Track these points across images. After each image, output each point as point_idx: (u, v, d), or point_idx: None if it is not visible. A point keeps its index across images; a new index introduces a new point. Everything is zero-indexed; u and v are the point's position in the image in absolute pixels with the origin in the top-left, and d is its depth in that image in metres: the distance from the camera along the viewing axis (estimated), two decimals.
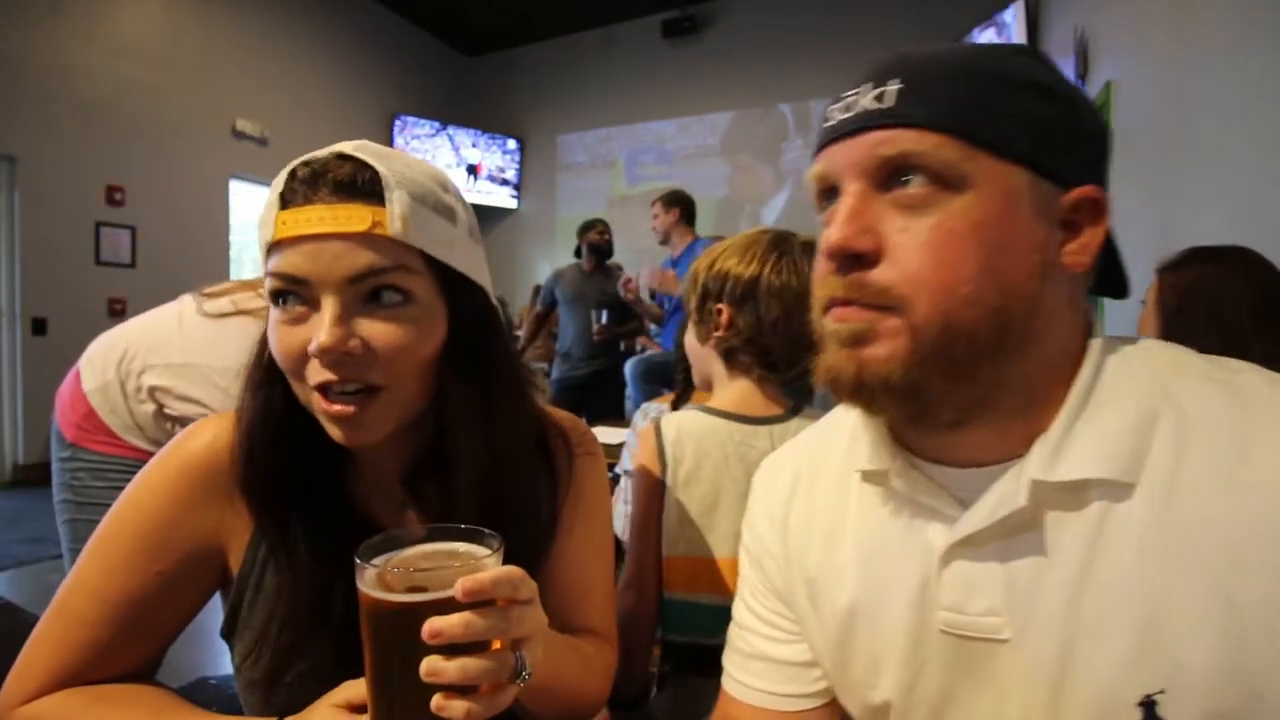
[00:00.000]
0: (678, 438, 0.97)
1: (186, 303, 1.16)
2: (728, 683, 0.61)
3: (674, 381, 1.46)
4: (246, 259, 5.26)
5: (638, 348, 3.76)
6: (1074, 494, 0.41)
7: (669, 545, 0.97)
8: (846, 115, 0.44)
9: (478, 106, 7.07)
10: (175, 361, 1.11)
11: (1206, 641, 0.37)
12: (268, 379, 0.57)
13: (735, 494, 0.93)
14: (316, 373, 0.51)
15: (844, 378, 0.44)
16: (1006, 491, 0.43)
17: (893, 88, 0.42)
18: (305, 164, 0.53)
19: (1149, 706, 0.38)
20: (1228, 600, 0.37)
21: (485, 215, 6.80)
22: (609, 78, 6.64)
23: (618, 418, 3.22)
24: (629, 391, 3.09)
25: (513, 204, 7.01)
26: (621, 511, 1.42)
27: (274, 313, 0.53)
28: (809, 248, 0.98)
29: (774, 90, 5.91)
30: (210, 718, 0.55)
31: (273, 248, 0.52)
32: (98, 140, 4.32)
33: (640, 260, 5.86)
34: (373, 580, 0.41)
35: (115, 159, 4.42)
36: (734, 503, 0.93)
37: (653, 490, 0.97)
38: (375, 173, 0.52)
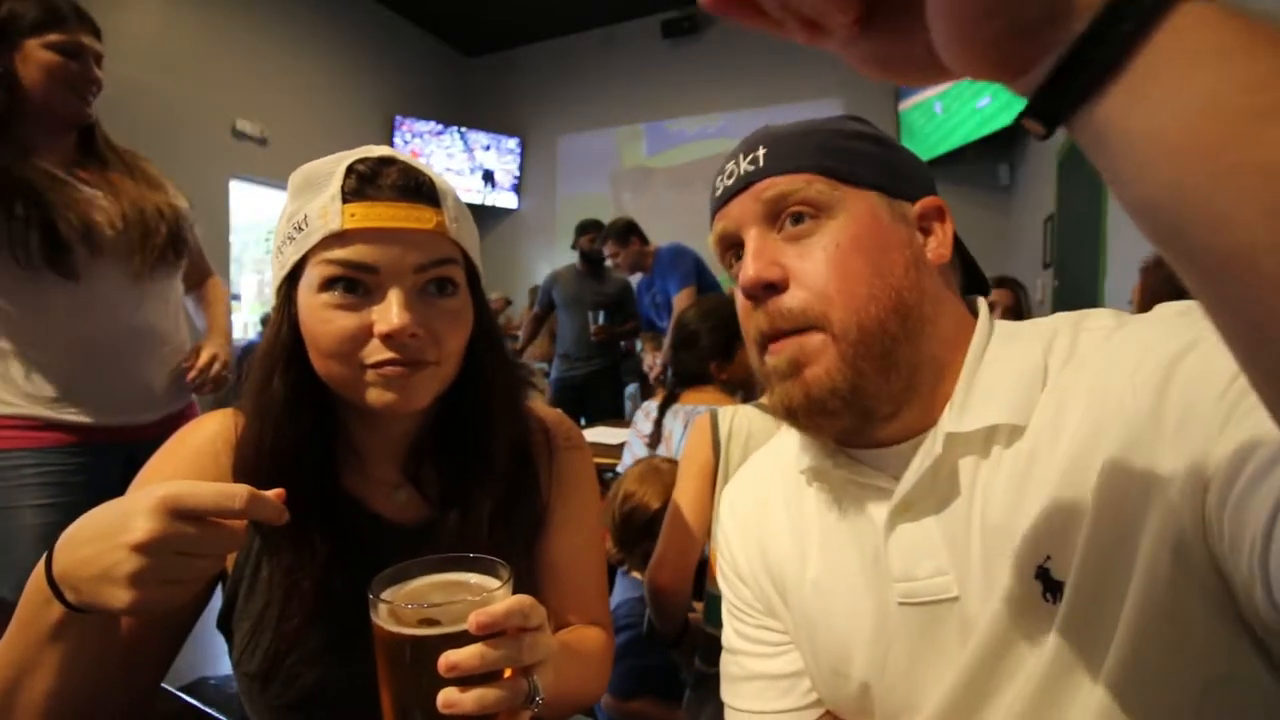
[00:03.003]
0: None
1: None
2: (728, 714, 0.62)
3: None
4: (247, 259, 5.27)
5: (638, 347, 3.76)
6: (983, 443, 0.48)
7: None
8: (730, 181, 0.55)
9: (478, 106, 7.07)
10: None
11: (1075, 512, 0.43)
12: (280, 366, 0.58)
13: None
14: (376, 351, 0.55)
15: (794, 402, 0.50)
16: (927, 449, 0.49)
17: (761, 152, 0.53)
18: (360, 162, 0.56)
19: (1044, 572, 0.44)
20: (1087, 489, 0.42)
21: (486, 215, 6.79)
22: (609, 78, 6.63)
23: (617, 418, 3.22)
24: (638, 388, 3.09)
25: (513, 204, 7.00)
26: None
27: (320, 297, 0.56)
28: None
29: (774, 90, 5.91)
30: None
31: (333, 238, 0.55)
32: None
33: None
34: (387, 614, 0.42)
35: None
36: None
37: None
38: (430, 179, 0.58)
